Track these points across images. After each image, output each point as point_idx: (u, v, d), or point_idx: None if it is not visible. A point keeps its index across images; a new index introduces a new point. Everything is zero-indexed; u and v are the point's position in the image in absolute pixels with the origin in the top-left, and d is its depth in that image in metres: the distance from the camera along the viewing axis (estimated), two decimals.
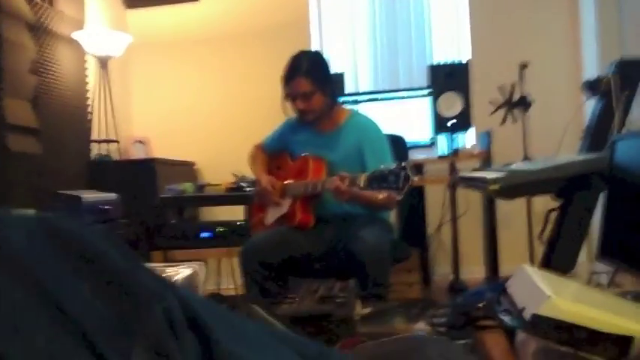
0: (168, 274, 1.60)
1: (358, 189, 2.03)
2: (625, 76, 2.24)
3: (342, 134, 2.44)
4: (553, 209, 2.00)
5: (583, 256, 2.00)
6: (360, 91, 4.16)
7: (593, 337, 0.93)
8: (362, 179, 1.99)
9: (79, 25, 3.67)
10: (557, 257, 1.87)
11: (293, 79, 2.34)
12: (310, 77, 2.32)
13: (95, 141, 3.69)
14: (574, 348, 0.95)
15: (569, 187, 1.82)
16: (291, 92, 2.37)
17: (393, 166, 1.93)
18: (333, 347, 1.15)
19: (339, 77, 3.74)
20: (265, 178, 2.51)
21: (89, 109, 3.72)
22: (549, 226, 2.05)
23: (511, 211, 3.53)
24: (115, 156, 3.78)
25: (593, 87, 2.29)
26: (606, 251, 1.49)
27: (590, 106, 2.51)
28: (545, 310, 0.96)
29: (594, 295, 1.23)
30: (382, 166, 1.96)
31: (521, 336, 1.07)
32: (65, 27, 3.49)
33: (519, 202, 3.07)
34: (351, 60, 4.34)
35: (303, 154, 2.47)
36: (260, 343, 0.65)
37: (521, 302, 1.06)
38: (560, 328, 0.94)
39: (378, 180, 1.93)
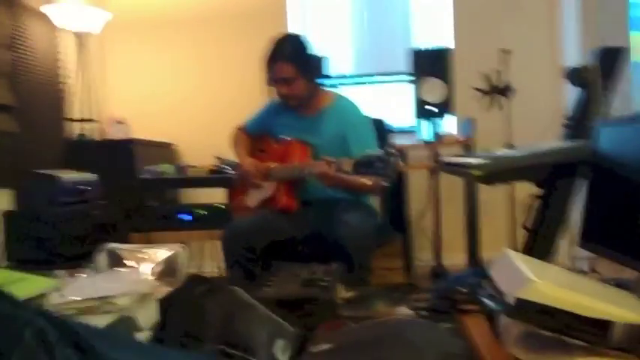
0: (150, 255, 1.58)
1: (344, 174, 2.01)
2: (606, 64, 2.26)
3: (325, 118, 2.42)
4: (536, 196, 2.01)
5: (565, 243, 2.02)
6: (342, 74, 4.13)
7: (574, 321, 0.93)
8: (348, 164, 1.97)
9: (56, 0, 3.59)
10: (539, 243, 1.88)
11: (275, 63, 2.30)
12: (293, 62, 2.29)
13: (74, 120, 3.62)
14: (555, 332, 0.95)
15: (552, 174, 1.84)
16: (273, 77, 2.33)
17: (380, 152, 1.91)
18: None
19: (324, 61, 3.70)
20: (248, 160, 2.49)
21: (62, 86, 3.63)
22: (532, 213, 2.06)
23: (493, 198, 3.55)
24: (94, 136, 3.71)
25: (575, 75, 2.30)
26: (588, 238, 1.50)
27: (571, 93, 2.52)
28: (527, 294, 0.96)
29: (576, 280, 1.24)
30: (369, 152, 1.94)
31: (503, 320, 1.07)
32: (41, 2, 3.40)
33: (501, 189, 3.09)
34: (333, 42, 4.30)
35: (288, 138, 2.44)
36: (143, 351, 0.72)
37: (504, 286, 1.07)
38: (541, 311, 0.95)
39: (365, 166, 1.91)
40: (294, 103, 2.39)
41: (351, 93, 3.34)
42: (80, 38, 3.55)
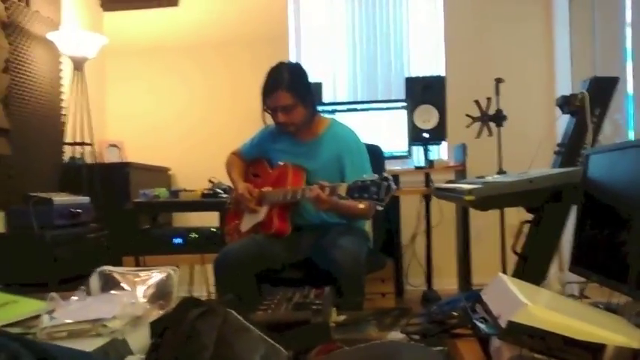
0: (142, 278, 1.58)
1: (338, 198, 2.02)
2: (598, 94, 2.30)
3: (321, 144, 2.43)
4: (527, 221, 2.03)
5: (555, 267, 2.03)
6: (338, 101, 4.19)
7: (566, 345, 0.94)
8: (342, 189, 1.98)
9: (55, 26, 3.62)
10: (530, 268, 1.89)
11: (274, 92, 2.29)
12: (291, 91, 2.29)
13: (68, 143, 3.62)
14: (548, 355, 0.96)
15: (543, 199, 1.86)
16: (271, 105, 2.33)
17: (374, 176, 1.93)
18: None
19: (317, 86, 3.76)
20: (242, 184, 2.49)
21: (63, 112, 3.66)
22: (522, 238, 2.08)
23: (484, 224, 3.57)
24: (89, 159, 3.71)
25: (567, 103, 2.34)
26: (578, 262, 1.52)
27: (562, 122, 2.56)
28: (520, 318, 0.96)
29: (567, 304, 1.25)
30: (364, 176, 1.95)
31: (495, 343, 1.07)
32: (40, 27, 3.44)
33: (492, 215, 3.11)
34: (329, 69, 4.36)
35: (282, 162, 2.45)
36: None
37: (497, 310, 1.07)
38: (534, 335, 0.95)
39: (360, 190, 1.92)
40: (293, 130, 2.40)
41: (346, 119, 3.38)
42: (77, 62, 3.58)
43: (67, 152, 3.68)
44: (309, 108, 2.39)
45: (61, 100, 3.69)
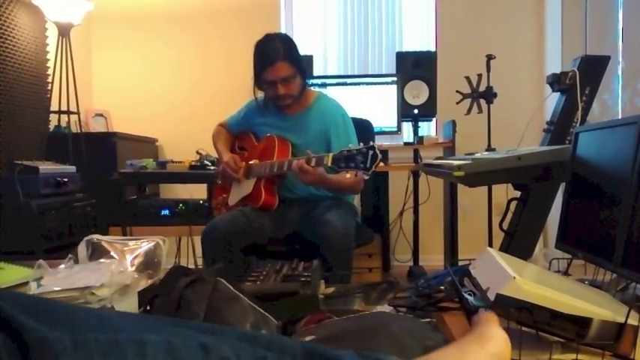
0: (131, 247, 1.57)
1: (324, 169, 2.02)
2: (588, 72, 2.30)
3: (308, 117, 2.41)
4: (514, 198, 2.05)
5: (540, 244, 2.05)
6: (329, 74, 4.16)
7: (553, 318, 0.95)
8: (328, 159, 1.98)
9: None
10: (517, 245, 1.91)
11: (272, 64, 2.23)
12: (289, 60, 2.25)
13: (54, 112, 3.56)
14: (535, 328, 0.97)
15: (532, 177, 1.87)
16: (270, 78, 2.27)
17: (360, 145, 1.92)
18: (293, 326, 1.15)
19: (308, 59, 3.72)
20: (228, 154, 2.48)
21: (49, 79, 3.59)
22: (509, 215, 2.10)
23: (471, 202, 3.60)
24: (74, 128, 3.66)
25: (557, 81, 2.34)
26: (564, 239, 1.53)
27: (552, 100, 2.57)
28: (509, 290, 0.98)
29: (554, 278, 1.27)
30: (350, 146, 1.95)
31: None
32: None
33: (479, 193, 3.13)
34: (320, 42, 4.32)
35: (268, 135, 2.43)
36: (102, 326, 0.61)
37: (486, 283, 1.08)
38: (522, 308, 0.97)
39: (346, 160, 1.92)
40: (290, 102, 2.36)
41: (336, 93, 3.36)
42: (62, 29, 3.50)
43: (52, 121, 3.62)
44: (304, 78, 2.37)
45: (47, 67, 3.62)
